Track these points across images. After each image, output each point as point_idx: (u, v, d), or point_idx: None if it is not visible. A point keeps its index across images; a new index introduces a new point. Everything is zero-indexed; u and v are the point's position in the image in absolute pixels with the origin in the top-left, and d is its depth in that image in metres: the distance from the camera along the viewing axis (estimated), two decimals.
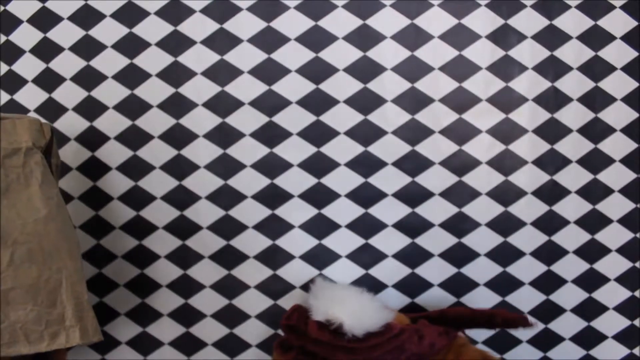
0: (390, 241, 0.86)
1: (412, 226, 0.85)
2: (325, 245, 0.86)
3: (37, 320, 0.59)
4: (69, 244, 0.65)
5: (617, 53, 0.84)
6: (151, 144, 0.85)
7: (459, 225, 0.86)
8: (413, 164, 0.85)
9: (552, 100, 0.84)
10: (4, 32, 0.84)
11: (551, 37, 0.83)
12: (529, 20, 0.83)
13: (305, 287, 0.86)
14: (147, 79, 0.84)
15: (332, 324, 0.70)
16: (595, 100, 0.84)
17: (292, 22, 0.83)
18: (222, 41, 0.83)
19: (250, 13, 0.83)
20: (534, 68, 0.84)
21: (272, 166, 0.85)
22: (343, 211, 0.85)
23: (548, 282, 0.87)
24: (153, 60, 0.84)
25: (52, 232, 0.62)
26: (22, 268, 0.59)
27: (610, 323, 0.88)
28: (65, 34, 0.84)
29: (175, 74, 0.84)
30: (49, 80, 0.85)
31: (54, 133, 0.68)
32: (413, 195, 0.85)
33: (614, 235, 0.86)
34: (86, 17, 0.84)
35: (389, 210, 0.85)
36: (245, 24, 0.83)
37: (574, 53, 0.84)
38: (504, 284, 0.87)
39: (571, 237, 0.87)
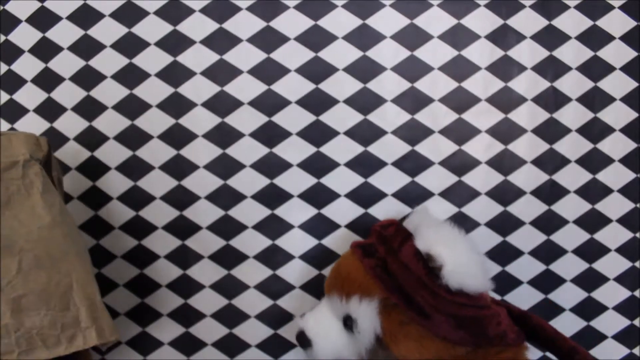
0: None
1: None
2: (325, 245, 0.86)
3: (52, 325, 0.59)
4: (77, 248, 0.64)
5: (616, 53, 0.84)
6: (150, 143, 0.85)
7: (459, 225, 0.85)
8: (413, 163, 0.85)
9: (551, 100, 0.84)
10: (3, 32, 0.84)
11: (550, 37, 0.84)
12: (528, 21, 0.83)
13: (305, 287, 0.87)
14: (147, 78, 0.84)
15: (432, 261, 0.61)
16: (595, 100, 0.85)
17: (291, 22, 0.83)
18: (221, 41, 0.83)
19: (249, 13, 0.83)
20: (533, 68, 0.84)
21: (271, 166, 0.85)
22: (343, 211, 0.85)
23: (547, 282, 0.87)
24: (152, 60, 0.84)
25: (57, 238, 0.62)
26: (31, 274, 0.59)
27: (610, 323, 0.88)
28: (64, 33, 0.84)
29: (175, 74, 0.84)
30: (48, 80, 0.84)
31: (51, 146, 0.68)
32: (413, 195, 0.85)
33: (614, 235, 0.87)
34: (85, 16, 0.83)
35: (389, 210, 0.85)
36: (244, 24, 0.83)
37: (573, 53, 0.84)
38: (503, 283, 0.87)
39: (570, 237, 0.87)
